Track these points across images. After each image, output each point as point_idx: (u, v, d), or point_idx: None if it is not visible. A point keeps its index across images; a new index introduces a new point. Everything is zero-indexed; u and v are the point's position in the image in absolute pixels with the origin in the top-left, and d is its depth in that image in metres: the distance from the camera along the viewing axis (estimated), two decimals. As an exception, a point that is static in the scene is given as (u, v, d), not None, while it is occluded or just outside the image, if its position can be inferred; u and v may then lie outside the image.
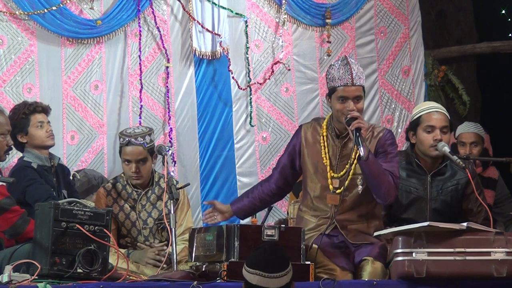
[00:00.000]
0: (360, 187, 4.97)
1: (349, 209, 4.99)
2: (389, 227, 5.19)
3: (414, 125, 5.41)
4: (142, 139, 5.60)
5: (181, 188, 5.55)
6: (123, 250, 5.43)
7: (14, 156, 6.27)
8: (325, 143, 5.03)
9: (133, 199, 5.60)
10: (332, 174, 5.00)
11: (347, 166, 4.97)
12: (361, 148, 4.75)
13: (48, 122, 5.76)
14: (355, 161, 4.91)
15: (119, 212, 5.59)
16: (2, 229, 5.07)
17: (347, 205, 4.98)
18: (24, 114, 5.68)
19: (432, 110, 5.41)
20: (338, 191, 4.97)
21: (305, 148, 5.08)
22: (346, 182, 4.93)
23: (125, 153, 5.59)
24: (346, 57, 5.01)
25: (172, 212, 5.09)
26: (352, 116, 4.84)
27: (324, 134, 5.06)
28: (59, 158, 5.89)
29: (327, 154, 5.01)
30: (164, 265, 5.26)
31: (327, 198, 4.99)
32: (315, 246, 4.86)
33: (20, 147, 5.73)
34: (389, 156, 4.99)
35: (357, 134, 4.79)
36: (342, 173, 4.99)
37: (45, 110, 5.78)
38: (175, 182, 5.64)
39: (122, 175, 5.70)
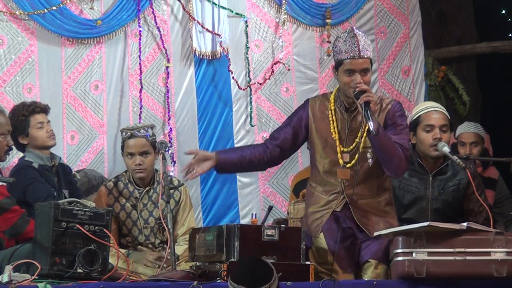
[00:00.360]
0: (370, 160, 4.88)
1: (360, 183, 4.90)
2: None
3: (413, 125, 5.41)
4: (144, 131, 5.64)
5: (175, 188, 5.55)
6: (123, 250, 5.44)
7: (14, 156, 6.27)
8: (334, 117, 4.95)
9: (135, 197, 5.60)
10: (342, 149, 4.91)
11: (356, 139, 4.90)
12: (370, 122, 4.66)
13: (48, 121, 5.75)
14: (365, 134, 4.84)
15: (120, 211, 5.59)
16: (2, 229, 5.07)
17: (357, 179, 4.88)
18: (23, 116, 5.67)
19: (431, 109, 5.42)
20: (348, 165, 4.90)
21: (313, 123, 4.99)
22: (356, 156, 4.86)
23: (128, 146, 5.59)
24: (352, 28, 4.94)
25: (169, 212, 5.08)
26: (360, 89, 4.76)
27: (332, 108, 4.97)
28: (60, 158, 5.89)
29: (335, 128, 4.92)
30: (164, 265, 5.25)
31: (337, 173, 4.91)
32: (323, 242, 4.84)
33: (21, 148, 5.73)
34: (399, 128, 4.91)
35: (366, 108, 4.70)
36: (352, 147, 4.92)
37: (44, 110, 5.77)
38: (176, 182, 5.64)
39: (124, 173, 5.70)
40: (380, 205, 4.94)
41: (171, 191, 5.57)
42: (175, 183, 5.66)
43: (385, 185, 5.00)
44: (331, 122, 4.95)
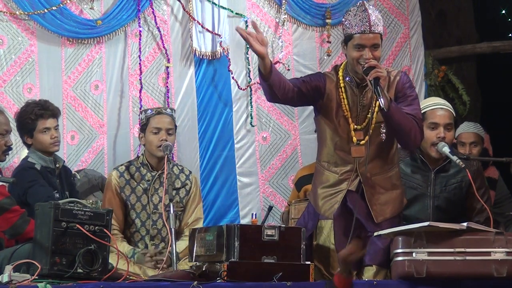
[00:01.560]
0: (383, 135, 4.80)
1: (373, 158, 4.83)
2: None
3: None
4: (170, 111, 5.74)
5: (177, 189, 5.57)
6: (128, 248, 5.44)
7: (14, 156, 6.28)
8: (344, 94, 4.85)
9: (147, 180, 5.61)
10: (355, 126, 4.83)
11: (368, 115, 4.82)
12: (381, 99, 4.58)
13: (56, 127, 5.72)
14: (376, 109, 4.77)
15: (131, 194, 5.60)
16: (2, 229, 5.08)
17: (371, 155, 4.80)
18: (30, 119, 5.66)
19: (437, 106, 5.39)
20: (362, 142, 4.82)
21: (327, 97, 4.86)
22: (370, 132, 4.77)
23: (155, 122, 5.62)
24: (364, 2, 4.84)
25: (171, 212, 5.09)
26: (369, 65, 4.65)
27: (342, 85, 4.86)
28: (64, 161, 5.90)
29: (347, 106, 4.82)
30: (165, 265, 5.25)
31: (352, 151, 4.82)
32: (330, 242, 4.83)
33: (28, 146, 5.74)
34: (409, 99, 4.84)
35: (376, 84, 4.60)
36: (364, 124, 4.83)
37: (54, 115, 5.73)
38: (188, 171, 5.70)
39: (137, 158, 5.72)
40: (391, 180, 4.89)
41: (181, 179, 5.63)
42: (186, 172, 5.75)
43: (394, 159, 4.94)
44: (342, 99, 4.84)
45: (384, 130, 4.79)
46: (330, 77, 4.89)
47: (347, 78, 4.86)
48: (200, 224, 5.67)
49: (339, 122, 4.84)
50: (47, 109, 5.72)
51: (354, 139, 4.81)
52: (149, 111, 5.70)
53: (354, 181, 4.84)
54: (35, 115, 5.66)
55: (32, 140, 5.67)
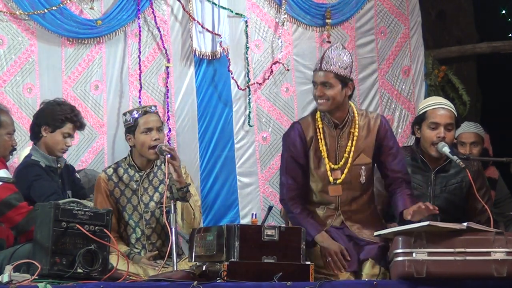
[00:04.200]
0: (363, 177, 4.95)
1: (353, 198, 4.99)
2: (390, 222, 5.20)
3: (419, 120, 5.39)
4: (155, 108, 5.71)
5: (180, 189, 5.55)
6: (124, 249, 5.44)
7: (14, 156, 6.27)
8: (321, 135, 5.00)
9: (136, 181, 5.60)
10: (332, 166, 4.98)
11: (345, 155, 4.97)
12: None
13: (73, 137, 5.76)
14: (353, 149, 4.91)
15: (121, 197, 5.59)
16: (8, 226, 5.08)
17: (350, 194, 4.98)
18: (62, 119, 5.65)
19: (438, 106, 5.38)
20: (338, 181, 4.96)
21: (307, 143, 5.03)
22: (346, 170, 4.94)
23: (143, 122, 5.57)
24: (340, 43, 5.04)
25: (172, 212, 5.09)
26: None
27: (320, 126, 5.02)
28: (65, 160, 5.90)
29: (324, 146, 4.97)
30: (165, 265, 5.25)
31: (329, 190, 4.98)
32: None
33: (37, 137, 5.70)
34: (393, 151, 5.01)
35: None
36: (341, 163, 4.98)
37: (81, 127, 5.79)
38: (183, 170, 5.65)
39: (124, 159, 5.70)
40: (372, 218, 5.05)
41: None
42: None
43: (372, 198, 5.12)
44: (319, 140, 4.99)
45: (364, 173, 4.95)
46: (305, 121, 5.08)
47: (324, 120, 5.02)
48: (198, 201, 5.64)
49: (319, 163, 4.99)
50: (80, 121, 5.76)
51: (331, 178, 4.97)
52: (135, 112, 5.65)
53: (337, 218, 5.00)
54: (67, 118, 5.66)
55: (48, 135, 5.65)
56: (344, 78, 4.92)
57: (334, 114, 4.97)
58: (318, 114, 5.04)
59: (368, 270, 4.80)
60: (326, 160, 4.97)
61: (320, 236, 4.90)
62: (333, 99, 4.91)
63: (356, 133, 4.98)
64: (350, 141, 4.94)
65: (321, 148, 4.98)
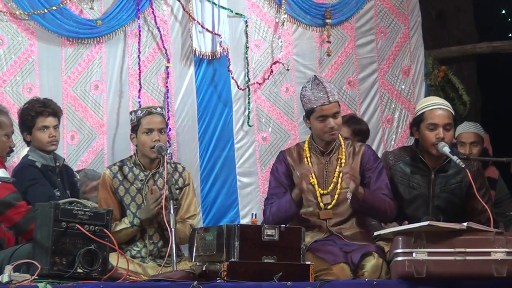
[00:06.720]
0: (349, 200, 5.09)
1: (343, 221, 5.12)
2: (390, 223, 5.21)
3: (417, 121, 5.38)
4: (160, 110, 5.68)
5: (180, 188, 5.55)
6: (128, 219, 5.43)
7: (14, 156, 6.27)
8: (310, 163, 5.15)
9: (140, 180, 5.59)
10: (321, 191, 5.13)
11: (334, 180, 5.11)
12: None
13: (56, 126, 5.71)
14: (341, 175, 5.05)
15: (125, 195, 5.57)
16: (6, 226, 5.08)
17: (340, 218, 5.11)
18: (30, 116, 5.66)
19: (435, 107, 5.36)
20: (329, 206, 5.11)
21: (292, 171, 5.16)
22: (336, 195, 5.10)
23: (147, 122, 5.55)
24: (316, 76, 5.16)
25: (171, 212, 5.08)
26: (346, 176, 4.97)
27: (308, 155, 5.18)
28: (64, 159, 5.89)
29: (313, 174, 5.11)
30: (165, 265, 5.25)
31: (320, 215, 5.11)
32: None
33: (28, 143, 5.74)
34: (377, 171, 5.16)
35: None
36: (330, 188, 5.13)
37: (54, 113, 5.72)
38: (181, 168, 5.64)
39: (129, 158, 5.69)
40: (362, 235, 5.10)
41: (175, 176, 5.60)
42: (180, 169, 5.67)
43: (362, 221, 5.20)
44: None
45: (349, 195, 5.08)
46: (291, 151, 5.25)
47: (312, 149, 5.19)
48: (195, 221, 5.65)
49: (307, 189, 5.06)
50: (48, 107, 5.71)
51: (322, 204, 5.11)
52: (139, 111, 5.65)
53: (325, 235, 5.09)
54: (35, 112, 5.66)
55: (31, 137, 5.67)
56: (339, 104, 5.18)
57: (322, 141, 5.15)
58: (306, 144, 5.21)
59: (372, 261, 4.80)
60: (316, 186, 5.11)
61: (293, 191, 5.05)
62: (340, 127, 5.19)
63: (343, 159, 5.16)
64: (338, 167, 5.11)
65: (310, 176, 5.09)
